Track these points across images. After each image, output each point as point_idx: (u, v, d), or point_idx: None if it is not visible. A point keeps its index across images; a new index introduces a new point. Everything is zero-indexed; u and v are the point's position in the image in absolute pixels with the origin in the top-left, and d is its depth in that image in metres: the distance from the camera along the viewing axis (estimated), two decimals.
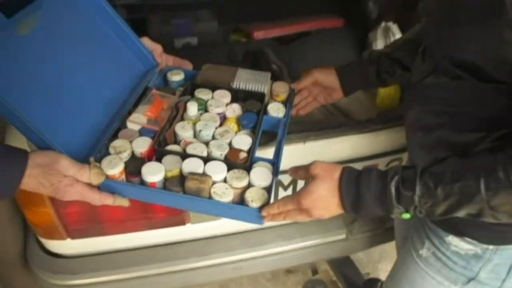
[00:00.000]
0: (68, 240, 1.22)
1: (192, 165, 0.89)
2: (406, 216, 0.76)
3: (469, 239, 0.89)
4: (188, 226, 1.28)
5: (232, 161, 0.92)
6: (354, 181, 0.78)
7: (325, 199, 0.79)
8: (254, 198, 0.86)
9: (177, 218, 1.20)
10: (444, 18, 0.78)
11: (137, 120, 0.99)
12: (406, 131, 0.96)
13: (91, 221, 1.14)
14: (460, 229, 0.89)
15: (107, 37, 1.12)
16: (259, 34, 2.03)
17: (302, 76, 1.19)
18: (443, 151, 0.80)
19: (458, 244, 0.91)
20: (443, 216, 0.74)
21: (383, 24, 1.84)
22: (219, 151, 0.93)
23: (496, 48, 0.68)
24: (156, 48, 1.20)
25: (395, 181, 0.75)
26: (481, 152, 0.76)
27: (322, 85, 1.19)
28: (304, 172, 0.84)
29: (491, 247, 0.87)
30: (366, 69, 1.13)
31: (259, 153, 0.97)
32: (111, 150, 0.91)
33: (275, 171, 0.92)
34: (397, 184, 0.75)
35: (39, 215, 1.10)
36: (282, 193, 1.26)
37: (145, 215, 1.16)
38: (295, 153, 1.15)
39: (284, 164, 0.94)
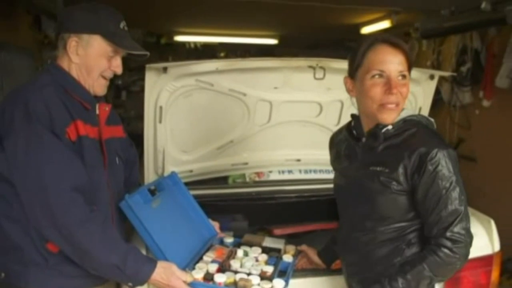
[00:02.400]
0: None
1: (241, 276, 1.64)
2: None
3: None
4: None
5: (262, 276, 1.66)
6: None
7: None
8: None
9: None
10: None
11: (209, 256, 1.77)
12: None
13: None
14: None
15: (191, 216, 1.98)
16: (277, 232, 2.84)
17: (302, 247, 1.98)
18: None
19: None
20: None
21: None
22: (255, 271, 1.69)
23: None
24: (216, 224, 2.04)
25: (387, 281, 1.44)
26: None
27: (310, 260, 1.94)
28: None
29: None
30: (332, 248, 1.87)
31: None
32: (196, 267, 1.68)
33: (286, 282, 1.65)
34: (388, 281, 1.44)
35: None
36: None
37: None
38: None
39: None
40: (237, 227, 2.89)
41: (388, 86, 1.46)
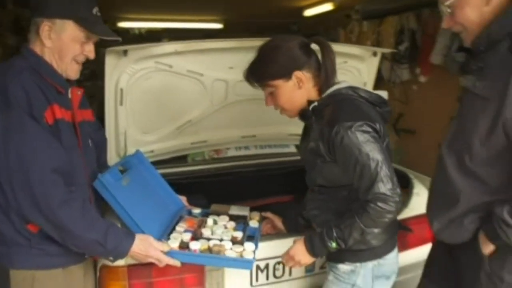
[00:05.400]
0: None
1: (214, 242, 1.75)
2: (334, 245, 1.61)
3: (347, 263, 1.70)
4: None
5: (234, 240, 1.79)
6: (310, 238, 1.67)
7: (300, 248, 1.68)
8: (246, 255, 1.71)
9: None
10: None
11: (181, 226, 1.88)
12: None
13: None
14: (343, 258, 1.71)
15: (158, 191, 2.07)
16: None
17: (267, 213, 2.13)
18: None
19: (343, 267, 1.72)
20: (349, 238, 1.57)
21: None
22: (227, 237, 1.81)
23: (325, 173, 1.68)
24: (183, 198, 2.15)
25: (325, 230, 1.62)
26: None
27: (274, 226, 2.10)
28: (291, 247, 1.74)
29: (357, 264, 1.69)
30: (297, 220, 2.03)
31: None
32: (171, 237, 1.77)
33: (256, 245, 1.78)
34: (326, 231, 1.62)
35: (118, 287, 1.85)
36: (259, 275, 2.05)
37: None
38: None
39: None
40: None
41: None
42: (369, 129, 1.56)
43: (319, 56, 1.71)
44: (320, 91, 1.70)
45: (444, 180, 1.61)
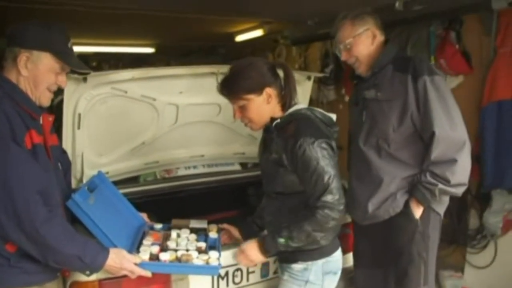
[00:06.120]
0: None
1: (181, 252, 1.92)
2: (282, 241, 1.83)
3: (300, 262, 1.93)
4: None
5: (199, 250, 1.97)
6: (261, 236, 1.91)
7: (252, 245, 1.91)
8: (212, 262, 1.90)
9: None
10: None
11: (148, 240, 2.03)
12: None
13: None
14: (296, 258, 1.93)
15: (121, 209, 2.21)
16: None
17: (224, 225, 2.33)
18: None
19: (296, 266, 1.95)
20: (296, 238, 1.81)
21: None
22: (192, 247, 1.99)
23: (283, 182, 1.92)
24: (144, 215, 2.29)
25: (275, 229, 1.87)
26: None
27: (231, 236, 2.30)
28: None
29: (309, 262, 1.93)
30: (252, 227, 2.27)
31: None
32: (140, 250, 1.92)
33: (219, 253, 1.98)
34: (276, 229, 1.86)
35: None
36: (220, 282, 2.24)
37: None
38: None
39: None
40: None
41: None
42: (327, 147, 1.84)
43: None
44: (283, 108, 1.95)
45: (367, 168, 2.21)
